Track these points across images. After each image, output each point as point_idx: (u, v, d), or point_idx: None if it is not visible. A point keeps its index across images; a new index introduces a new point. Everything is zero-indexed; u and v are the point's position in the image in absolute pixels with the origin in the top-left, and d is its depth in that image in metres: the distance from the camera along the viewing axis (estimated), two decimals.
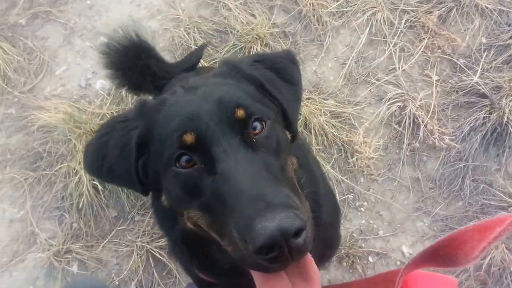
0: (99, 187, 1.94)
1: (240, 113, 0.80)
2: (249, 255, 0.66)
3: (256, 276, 0.75)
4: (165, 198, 0.87)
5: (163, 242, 1.90)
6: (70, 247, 1.92)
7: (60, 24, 2.25)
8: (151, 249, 1.89)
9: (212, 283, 1.04)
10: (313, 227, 0.74)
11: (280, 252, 0.64)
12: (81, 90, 2.15)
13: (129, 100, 2.10)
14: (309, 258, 0.74)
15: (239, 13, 2.14)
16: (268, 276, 0.73)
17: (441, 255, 0.71)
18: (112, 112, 2.08)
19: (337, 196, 1.94)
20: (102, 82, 2.15)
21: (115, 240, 1.94)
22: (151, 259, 1.88)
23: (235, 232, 0.69)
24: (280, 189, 0.71)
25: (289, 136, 0.96)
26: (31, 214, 2.00)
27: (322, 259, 1.22)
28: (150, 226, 1.96)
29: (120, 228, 1.96)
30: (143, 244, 1.90)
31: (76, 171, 1.95)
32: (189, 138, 0.78)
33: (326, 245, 1.15)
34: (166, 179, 0.82)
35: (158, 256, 1.87)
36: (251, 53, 2.03)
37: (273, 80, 0.94)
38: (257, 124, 0.82)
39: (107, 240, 1.94)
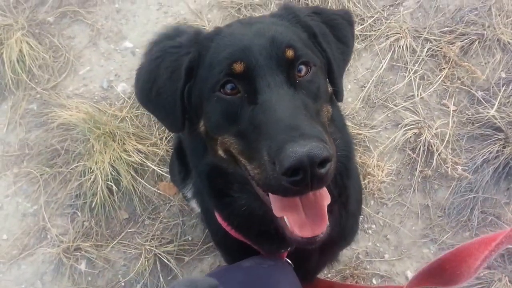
0: (114, 188, 1.97)
1: (290, 53, 0.84)
2: (274, 176, 0.72)
3: (274, 200, 0.81)
4: (203, 124, 0.92)
5: (171, 247, 1.93)
6: (79, 245, 1.96)
7: (87, 25, 2.29)
8: (159, 254, 1.91)
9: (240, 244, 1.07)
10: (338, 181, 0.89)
11: (303, 176, 0.69)
12: (102, 92, 2.18)
13: None
14: (325, 194, 0.81)
15: None
16: (285, 202, 0.80)
17: (447, 269, 0.72)
18: (131, 116, 2.11)
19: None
20: (123, 86, 2.19)
21: (124, 242, 1.97)
22: (158, 263, 1.91)
23: (266, 155, 0.74)
24: (314, 125, 0.77)
25: (331, 89, 1.00)
26: (44, 209, 2.03)
27: (336, 246, 1.25)
28: (160, 231, 1.99)
29: (130, 230, 1.99)
30: (151, 248, 1.93)
31: (92, 170, 1.98)
32: (238, 67, 0.83)
33: (344, 233, 1.18)
34: (208, 104, 0.88)
35: (165, 261, 1.90)
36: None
37: (326, 34, 0.97)
38: (302, 67, 0.86)
39: (116, 241, 1.97)
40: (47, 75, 2.20)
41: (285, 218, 0.80)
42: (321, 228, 0.79)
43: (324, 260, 1.26)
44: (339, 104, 1.13)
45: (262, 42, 0.85)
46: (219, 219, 1.05)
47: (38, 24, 2.28)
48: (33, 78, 2.20)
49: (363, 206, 1.96)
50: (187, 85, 0.92)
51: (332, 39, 0.98)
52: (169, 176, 1.98)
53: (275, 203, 0.82)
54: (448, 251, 0.71)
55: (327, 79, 0.98)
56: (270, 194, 0.83)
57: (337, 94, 1.00)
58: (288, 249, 1.04)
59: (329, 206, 0.82)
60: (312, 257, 1.15)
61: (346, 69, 1.20)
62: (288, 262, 1.07)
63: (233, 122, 0.84)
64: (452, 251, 0.70)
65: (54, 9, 2.30)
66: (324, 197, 0.81)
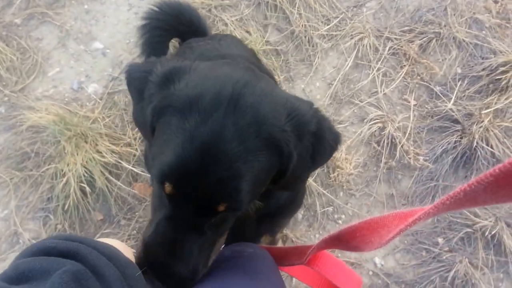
0: (87, 189, 1.96)
1: (221, 208, 0.74)
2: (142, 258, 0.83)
3: None
4: None
5: None
6: None
7: (55, 26, 2.26)
8: None
9: None
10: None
11: None
12: (73, 93, 2.17)
13: (121, 105, 2.14)
14: None
15: (234, 29, 2.22)
16: None
17: (357, 236, 0.73)
18: (103, 117, 2.11)
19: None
20: (94, 86, 2.18)
21: None
22: None
23: (143, 245, 0.83)
24: (190, 265, 0.81)
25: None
26: (15, 213, 2.00)
27: (272, 221, 1.28)
28: (136, 230, 2.00)
29: (105, 231, 1.99)
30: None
31: (64, 173, 1.96)
32: (168, 188, 0.74)
33: (280, 210, 1.22)
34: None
35: None
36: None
37: (305, 157, 0.82)
38: (224, 214, 0.77)
39: None
40: (15, 77, 2.16)
41: None
42: None
43: (264, 228, 1.28)
44: None
45: (209, 177, 0.70)
46: None
47: (5, 26, 2.23)
48: (0, 81, 2.16)
49: (333, 197, 2.07)
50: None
51: (308, 159, 0.84)
52: (144, 175, 2.00)
53: None
54: (362, 220, 0.71)
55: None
56: None
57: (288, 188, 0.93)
58: None
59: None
60: (250, 225, 1.17)
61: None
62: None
63: (160, 202, 0.84)
64: (366, 220, 0.70)
65: (21, 10, 2.26)
66: None
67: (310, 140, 0.81)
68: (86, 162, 1.97)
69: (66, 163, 1.97)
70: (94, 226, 2.00)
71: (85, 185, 1.95)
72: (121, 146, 2.06)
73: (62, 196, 1.96)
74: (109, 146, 2.03)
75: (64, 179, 1.96)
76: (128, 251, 0.77)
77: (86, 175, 1.96)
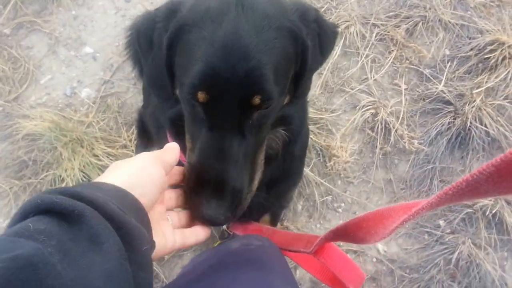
0: None
1: (256, 101, 0.80)
2: (188, 193, 0.88)
3: None
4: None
5: None
6: None
7: (45, 34, 2.28)
8: None
9: None
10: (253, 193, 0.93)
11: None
12: (66, 99, 2.18)
13: (114, 108, 2.15)
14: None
15: None
16: None
17: (363, 227, 0.75)
18: (97, 121, 2.12)
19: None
20: (87, 91, 2.20)
21: None
22: None
23: (193, 170, 0.87)
24: (238, 180, 0.85)
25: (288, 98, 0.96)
26: None
27: (280, 184, 1.29)
28: None
29: None
30: None
31: (62, 178, 1.98)
32: (202, 97, 0.80)
33: (288, 174, 1.25)
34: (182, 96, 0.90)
35: None
36: None
37: (315, 47, 0.93)
38: (265, 106, 0.83)
39: None
40: (7, 87, 2.18)
41: None
42: None
43: (271, 198, 1.29)
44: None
45: (237, 74, 0.76)
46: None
47: None
48: None
49: (331, 186, 2.07)
50: (171, 60, 0.89)
51: (317, 50, 0.95)
52: None
53: None
54: (368, 212, 0.74)
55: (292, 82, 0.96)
56: None
57: (298, 92, 0.99)
58: None
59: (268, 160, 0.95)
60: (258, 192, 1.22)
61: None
62: None
63: (193, 118, 0.88)
64: (372, 212, 0.73)
65: (10, 20, 2.28)
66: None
67: (315, 27, 0.90)
68: (84, 166, 1.98)
69: (64, 169, 1.98)
70: None
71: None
72: (117, 149, 2.07)
73: None
74: (105, 149, 2.05)
75: (63, 185, 1.97)
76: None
77: (84, 179, 1.97)
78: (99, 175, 1.99)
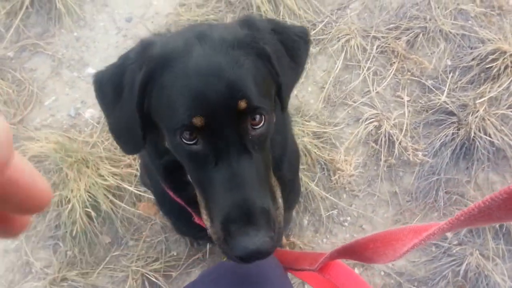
0: (93, 214, 1.99)
1: (242, 105, 0.81)
2: (223, 246, 0.82)
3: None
4: (168, 144, 0.92)
5: (157, 265, 1.96)
6: (65, 275, 1.96)
7: (47, 56, 2.31)
8: (146, 273, 1.94)
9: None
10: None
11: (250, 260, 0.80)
12: (70, 120, 2.20)
13: None
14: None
15: None
16: None
17: (370, 248, 0.75)
18: (102, 141, 2.14)
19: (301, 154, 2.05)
20: (91, 111, 2.21)
21: (110, 266, 1.99)
22: (146, 283, 1.94)
23: (218, 223, 0.82)
24: (264, 201, 0.82)
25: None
26: (26, 244, 2.03)
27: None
28: (144, 250, 2.02)
29: (115, 254, 2.01)
30: (137, 268, 1.96)
31: (69, 199, 1.99)
32: (198, 122, 0.80)
33: (287, 200, 1.23)
34: (171, 139, 0.87)
35: (153, 279, 1.93)
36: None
37: (281, 56, 0.94)
38: (257, 116, 0.85)
39: (102, 266, 1.98)
40: (12, 109, 2.20)
41: None
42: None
43: None
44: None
45: (220, 89, 0.80)
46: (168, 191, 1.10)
47: None
48: None
49: (337, 200, 2.08)
50: (145, 102, 0.89)
51: (287, 59, 0.96)
52: (146, 195, 2.02)
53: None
54: (376, 233, 0.74)
55: (276, 96, 0.98)
56: None
57: (282, 106, 1.01)
58: None
59: None
60: None
61: (300, 81, 1.21)
62: None
63: (195, 162, 0.86)
64: (380, 232, 0.73)
65: (13, 43, 2.31)
66: None
67: (273, 37, 0.94)
68: (89, 186, 2.00)
69: (70, 190, 2.00)
70: (103, 250, 2.02)
71: (90, 210, 1.98)
72: (122, 168, 2.08)
73: (69, 223, 1.99)
74: (110, 169, 2.06)
75: (70, 206, 1.98)
76: None
77: (90, 199, 1.98)
78: (104, 195, 2.02)
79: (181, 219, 1.20)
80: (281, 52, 0.95)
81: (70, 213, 1.98)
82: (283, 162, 1.12)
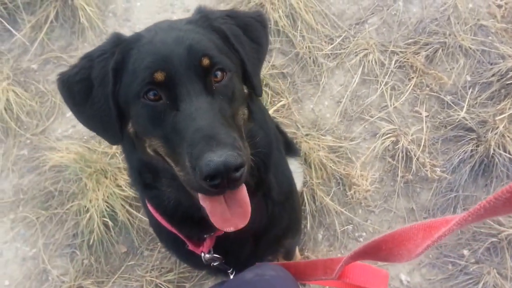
0: (110, 223, 2.02)
1: (206, 61, 0.91)
2: (196, 180, 0.82)
3: (201, 197, 0.92)
4: (131, 126, 0.98)
5: (171, 276, 1.98)
6: (81, 284, 1.99)
7: None
8: (160, 283, 1.96)
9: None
10: (250, 169, 0.90)
11: (221, 181, 0.80)
12: (91, 131, 2.25)
13: None
14: (243, 190, 0.92)
15: None
16: (210, 199, 0.90)
17: (383, 249, 0.77)
18: (121, 151, 2.18)
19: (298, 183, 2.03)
20: None
21: (125, 276, 2.01)
22: None
23: (188, 161, 0.84)
24: (229, 132, 0.85)
25: (246, 90, 1.05)
26: (43, 251, 2.07)
27: (268, 233, 1.25)
28: (159, 260, 2.04)
29: (130, 263, 2.04)
30: (152, 278, 1.98)
31: (87, 209, 2.03)
32: (159, 76, 0.89)
33: (273, 221, 1.22)
34: (134, 109, 0.94)
35: None
36: None
37: (238, 35, 1.03)
38: (218, 73, 0.93)
39: (117, 275, 2.01)
40: (35, 120, 2.26)
41: (208, 212, 0.91)
42: (243, 221, 0.90)
43: (261, 248, 1.27)
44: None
45: (180, 51, 0.91)
46: (149, 207, 1.13)
47: (23, 72, 2.35)
48: (22, 125, 2.26)
49: (352, 215, 2.06)
50: (116, 88, 0.96)
51: (246, 39, 1.05)
52: None
53: (201, 199, 0.92)
54: (386, 233, 0.76)
55: (243, 80, 1.05)
56: None
57: (255, 90, 1.07)
58: (212, 234, 1.10)
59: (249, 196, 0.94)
60: (245, 245, 1.20)
61: (262, 67, 1.28)
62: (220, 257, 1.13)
63: (158, 126, 0.92)
64: (390, 233, 0.75)
65: (37, 56, 2.38)
66: (243, 191, 0.92)
67: (228, 20, 1.04)
68: (107, 197, 2.04)
69: (88, 199, 2.04)
70: (119, 259, 2.05)
71: (108, 220, 2.01)
72: None
73: (86, 232, 2.03)
74: (128, 180, 2.09)
75: (88, 215, 2.02)
76: None
77: (108, 209, 2.02)
78: (122, 205, 2.05)
79: (178, 248, 1.24)
80: (238, 32, 1.04)
81: (88, 222, 2.02)
82: (269, 163, 1.13)
